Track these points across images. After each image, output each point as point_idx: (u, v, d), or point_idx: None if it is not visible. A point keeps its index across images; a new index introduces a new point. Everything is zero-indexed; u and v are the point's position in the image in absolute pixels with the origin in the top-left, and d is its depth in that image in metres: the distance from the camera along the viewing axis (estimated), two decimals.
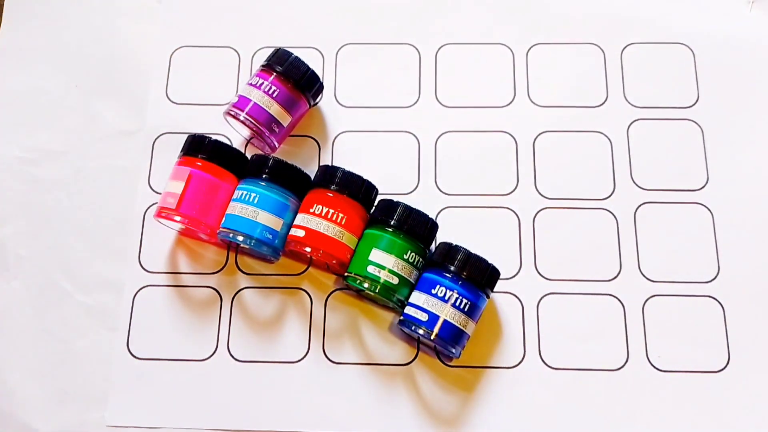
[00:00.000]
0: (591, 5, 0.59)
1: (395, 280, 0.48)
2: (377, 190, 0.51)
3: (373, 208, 0.50)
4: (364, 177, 0.50)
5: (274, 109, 0.52)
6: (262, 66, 0.53)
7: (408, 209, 0.49)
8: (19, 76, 0.58)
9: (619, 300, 0.52)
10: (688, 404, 0.49)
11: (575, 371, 0.50)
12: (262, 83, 0.52)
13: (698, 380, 0.50)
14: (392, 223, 0.48)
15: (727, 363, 0.50)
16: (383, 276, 0.47)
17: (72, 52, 0.58)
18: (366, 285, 0.48)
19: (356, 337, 0.51)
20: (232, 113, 0.52)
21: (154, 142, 0.56)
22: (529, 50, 0.58)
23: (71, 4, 0.60)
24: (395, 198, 0.50)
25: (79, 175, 0.55)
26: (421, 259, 0.49)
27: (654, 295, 0.52)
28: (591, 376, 0.50)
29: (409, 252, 0.48)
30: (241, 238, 0.48)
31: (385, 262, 0.48)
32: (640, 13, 0.59)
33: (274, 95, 0.52)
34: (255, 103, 0.52)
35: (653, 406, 0.50)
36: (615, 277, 0.52)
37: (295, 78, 0.53)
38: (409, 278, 0.48)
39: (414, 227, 0.48)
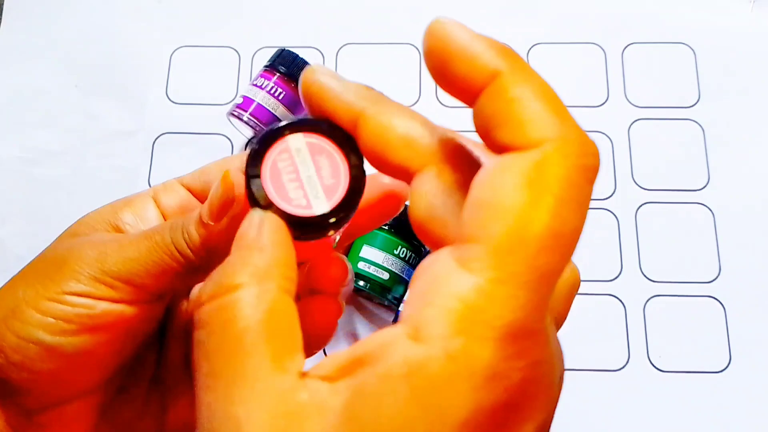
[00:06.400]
0: (592, 5, 0.59)
1: (386, 276, 0.47)
2: None
3: None
4: None
5: (280, 111, 0.52)
6: (266, 66, 0.53)
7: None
8: (19, 76, 0.58)
9: (620, 300, 0.51)
10: (689, 405, 0.49)
11: (576, 372, 0.50)
12: (266, 84, 0.52)
13: (699, 381, 0.50)
14: None
15: (728, 363, 0.50)
16: (374, 272, 0.47)
17: (72, 52, 0.59)
18: (361, 283, 0.48)
19: (355, 335, 0.51)
20: (236, 114, 0.52)
21: (154, 142, 0.56)
22: (529, 50, 0.58)
23: (71, 4, 0.60)
24: None
25: (78, 175, 0.55)
26: (413, 255, 0.49)
27: (655, 296, 0.51)
28: (592, 377, 0.50)
29: (400, 248, 0.48)
30: None
31: (375, 258, 0.48)
32: (641, 12, 0.59)
33: (279, 97, 0.52)
34: (258, 104, 0.52)
35: (654, 407, 0.49)
36: (616, 278, 0.52)
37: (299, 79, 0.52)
38: (402, 274, 0.48)
39: (404, 223, 0.48)
